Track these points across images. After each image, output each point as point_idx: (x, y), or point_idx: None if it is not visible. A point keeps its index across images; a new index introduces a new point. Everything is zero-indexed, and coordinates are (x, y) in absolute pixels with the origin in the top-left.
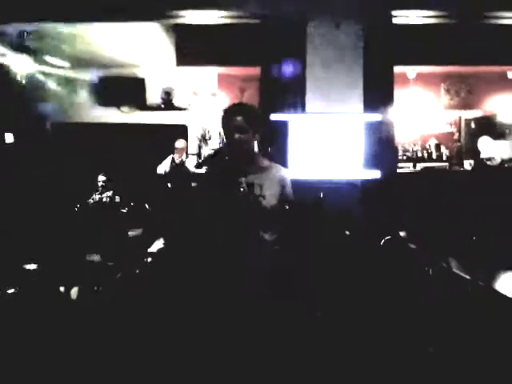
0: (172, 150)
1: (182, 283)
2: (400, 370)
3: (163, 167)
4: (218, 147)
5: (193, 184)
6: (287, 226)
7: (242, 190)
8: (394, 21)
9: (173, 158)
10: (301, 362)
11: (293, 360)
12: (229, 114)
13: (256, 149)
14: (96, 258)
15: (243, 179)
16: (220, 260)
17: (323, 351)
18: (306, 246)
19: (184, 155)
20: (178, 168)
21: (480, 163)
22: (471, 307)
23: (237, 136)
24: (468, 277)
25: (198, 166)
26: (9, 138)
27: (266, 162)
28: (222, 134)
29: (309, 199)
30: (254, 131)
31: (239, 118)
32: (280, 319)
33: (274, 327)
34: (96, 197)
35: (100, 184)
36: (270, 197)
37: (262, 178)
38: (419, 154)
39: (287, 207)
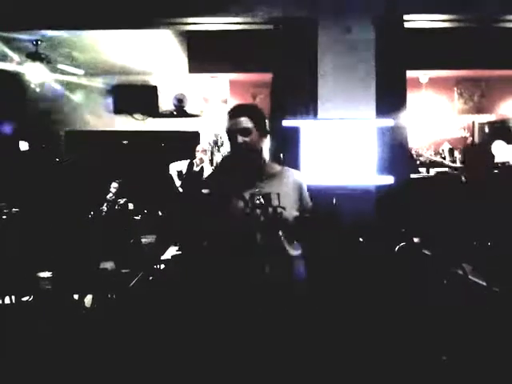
0: (192, 155)
1: (195, 291)
2: (413, 377)
3: (178, 167)
4: (225, 155)
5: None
6: (311, 237)
7: (257, 202)
8: (406, 25)
9: (192, 163)
10: (316, 372)
11: (309, 373)
12: (231, 116)
13: (265, 153)
14: (110, 265)
15: (257, 190)
16: (240, 279)
17: (338, 359)
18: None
19: (205, 162)
20: (196, 175)
21: None
22: (487, 314)
23: (240, 139)
24: (484, 283)
25: (208, 178)
26: (23, 146)
27: (277, 167)
28: (226, 138)
29: (322, 206)
30: (260, 133)
31: (243, 119)
32: (299, 333)
33: (293, 343)
34: (109, 204)
35: (113, 191)
36: (289, 206)
37: (276, 185)
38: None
39: (307, 216)
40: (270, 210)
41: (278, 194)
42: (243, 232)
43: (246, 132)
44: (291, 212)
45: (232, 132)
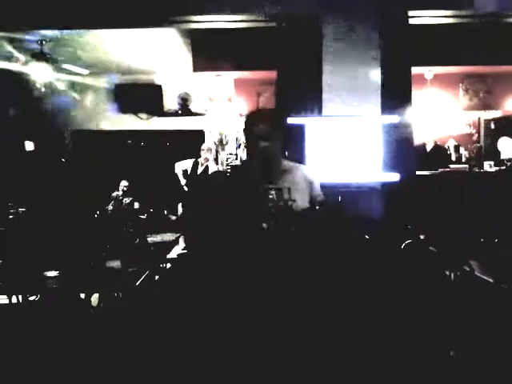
0: (196, 154)
1: (203, 289)
2: (420, 373)
3: (183, 166)
4: (243, 160)
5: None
6: (321, 226)
7: (270, 196)
8: (411, 21)
9: (197, 162)
10: (323, 372)
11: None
12: (250, 123)
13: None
14: (116, 264)
15: (270, 185)
16: (250, 267)
17: (344, 358)
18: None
19: (210, 160)
20: (202, 173)
21: None
22: (494, 311)
23: (262, 145)
24: (491, 280)
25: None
26: (29, 146)
27: (288, 164)
28: (245, 144)
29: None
30: (278, 137)
31: (262, 126)
32: (307, 329)
33: (302, 339)
34: (116, 203)
35: (124, 189)
36: (300, 199)
37: (288, 181)
38: None
39: (318, 207)
40: (281, 203)
41: (289, 189)
42: (254, 225)
43: (266, 138)
44: (301, 204)
45: (252, 139)
